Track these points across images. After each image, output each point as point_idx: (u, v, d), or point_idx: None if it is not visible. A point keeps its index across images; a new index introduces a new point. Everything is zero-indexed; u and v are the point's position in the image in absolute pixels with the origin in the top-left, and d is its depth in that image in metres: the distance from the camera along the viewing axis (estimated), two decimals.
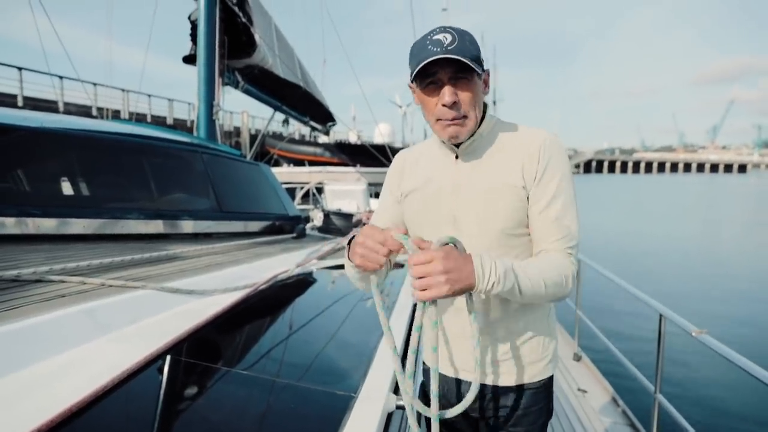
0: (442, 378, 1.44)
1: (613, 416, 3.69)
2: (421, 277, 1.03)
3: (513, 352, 1.35)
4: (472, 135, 1.29)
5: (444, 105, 1.21)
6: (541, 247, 1.27)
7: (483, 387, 1.38)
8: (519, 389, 1.37)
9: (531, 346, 1.36)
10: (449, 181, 1.33)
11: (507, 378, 1.36)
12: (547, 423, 1.45)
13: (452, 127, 1.23)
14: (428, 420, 1.18)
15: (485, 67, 1.26)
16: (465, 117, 1.23)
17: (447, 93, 1.20)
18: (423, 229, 1.37)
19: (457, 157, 1.33)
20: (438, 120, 1.25)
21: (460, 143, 1.30)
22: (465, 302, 1.24)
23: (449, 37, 1.17)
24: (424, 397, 1.55)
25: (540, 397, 1.39)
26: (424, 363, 1.58)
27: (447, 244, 1.11)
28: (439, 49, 1.16)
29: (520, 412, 1.37)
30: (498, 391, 1.38)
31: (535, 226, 1.27)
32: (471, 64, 1.16)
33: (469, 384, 1.37)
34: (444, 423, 1.42)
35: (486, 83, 1.29)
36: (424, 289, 1.03)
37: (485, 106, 1.32)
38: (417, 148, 1.48)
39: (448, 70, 1.19)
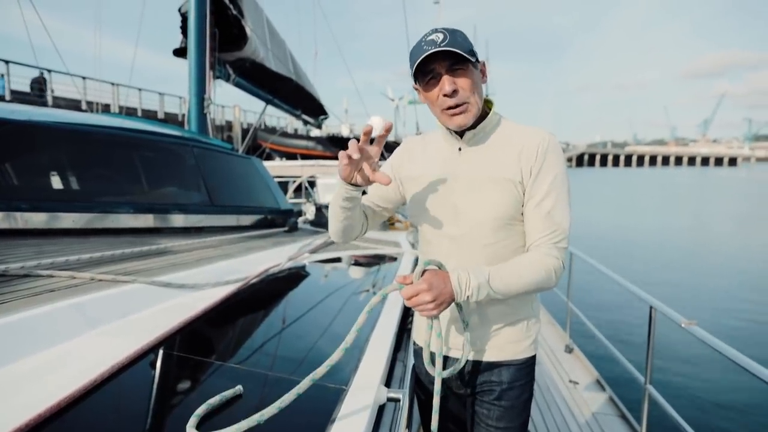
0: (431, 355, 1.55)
1: (603, 407, 3.73)
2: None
3: (498, 332, 1.45)
4: (475, 127, 1.38)
5: (445, 95, 1.30)
6: (531, 240, 1.37)
7: (471, 363, 1.49)
8: (503, 365, 1.47)
9: (515, 326, 1.45)
10: (451, 172, 1.42)
11: (492, 354, 1.46)
12: (530, 401, 1.54)
13: (457, 116, 1.33)
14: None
15: (480, 59, 1.35)
16: (466, 103, 1.31)
17: (446, 82, 1.29)
18: (425, 215, 1.47)
19: (459, 149, 1.42)
20: (443, 110, 1.33)
21: (464, 133, 1.39)
22: None
23: (441, 36, 1.27)
24: (416, 380, 1.60)
25: (522, 374, 1.48)
26: (414, 343, 1.66)
27: (425, 270, 1.28)
28: (432, 48, 1.25)
29: (504, 386, 1.47)
30: (483, 367, 1.48)
31: (528, 220, 1.37)
32: (464, 54, 1.25)
33: (456, 360, 1.47)
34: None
35: (483, 73, 1.38)
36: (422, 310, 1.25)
37: (491, 103, 1.42)
38: (425, 137, 1.58)
39: (444, 63, 1.28)
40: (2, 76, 17.67)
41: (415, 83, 1.36)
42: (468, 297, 1.25)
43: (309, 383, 1.12)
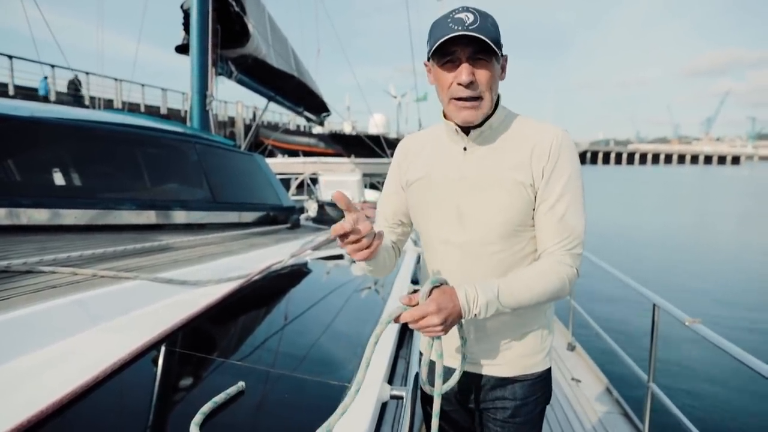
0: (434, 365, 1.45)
1: (606, 405, 3.72)
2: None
3: (511, 345, 1.35)
4: (482, 124, 1.26)
5: (460, 84, 1.18)
6: (543, 246, 1.26)
7: (481, 378, 1.40)
8: (517, 381, 1.37)
9: (529, 339, 1.36)
10: (456, 172, 1.30)
11: (505, 369, 1.37)
12: (544, 409, 1.46)
13: (466, 110, 1.21)
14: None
15: (504, 53, 1.23)
16: (480, 98, 1.20)
17: (464, 71, 1.16)
18: (428, 219, 1.36)
19: (465, 148, 1.30)
20: (452, 99, 1.21)
21: (470, 130, 1.27)
22: None
23: (471, 17, 1.14)
24: (421, 392, 1.55)
25: (537, 388, 1.39)
26: (421, 353, 1.57)
27: (432, 289, 1.15)
28: (460, 28, 1.13)
29: (518, 402, 1.37)
30: (496, 383, 1.38)
31: (540, 224, 1.26)
32: (491, 45, 1.14)
33: (461, 373, 1.37)
34: (444, 416, 1.46)
35: (503, 68, 1.26)
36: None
37: (498, 97, 1.29)
38: (422, 134, 1.45)
39: (468, 49, 1.16)
40: (45, 77, 17.91)
41: (428, 60, 1.25)
42: (476, 315, 1.15)
43: None
